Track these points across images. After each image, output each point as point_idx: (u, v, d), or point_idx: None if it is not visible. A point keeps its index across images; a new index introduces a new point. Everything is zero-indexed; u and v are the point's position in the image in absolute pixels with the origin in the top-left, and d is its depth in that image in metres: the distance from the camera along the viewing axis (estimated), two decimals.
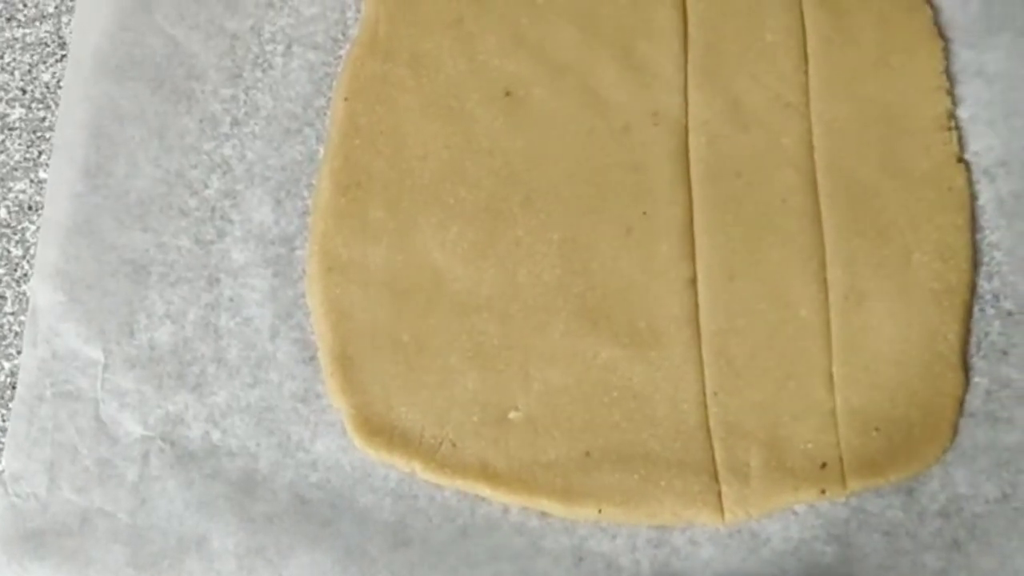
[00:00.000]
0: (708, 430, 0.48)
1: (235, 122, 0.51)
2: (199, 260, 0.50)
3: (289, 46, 0.52)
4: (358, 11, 0.53)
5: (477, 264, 0.49)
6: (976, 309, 0.49)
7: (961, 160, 0.51)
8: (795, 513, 0.47)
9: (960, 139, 0.51)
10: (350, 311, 0.49)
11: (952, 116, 0.51)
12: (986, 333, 0.49)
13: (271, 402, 0.48)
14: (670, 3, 0.53)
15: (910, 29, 0.52)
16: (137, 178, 0.50)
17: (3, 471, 0.48)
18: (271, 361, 0.49)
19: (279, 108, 0.52)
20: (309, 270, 0.50)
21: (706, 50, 0.52)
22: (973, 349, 0.49)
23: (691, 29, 0.52)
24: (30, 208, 0.52)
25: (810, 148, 0.50)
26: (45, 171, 0.52)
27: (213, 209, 0.50)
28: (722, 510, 0.47)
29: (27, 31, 0.54)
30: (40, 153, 0.53)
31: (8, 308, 0.51)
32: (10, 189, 0.52)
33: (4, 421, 0.49)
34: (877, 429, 0.48)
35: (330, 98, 0.52)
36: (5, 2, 0.54)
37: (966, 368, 0.49)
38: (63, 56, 0.54)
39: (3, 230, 0.52)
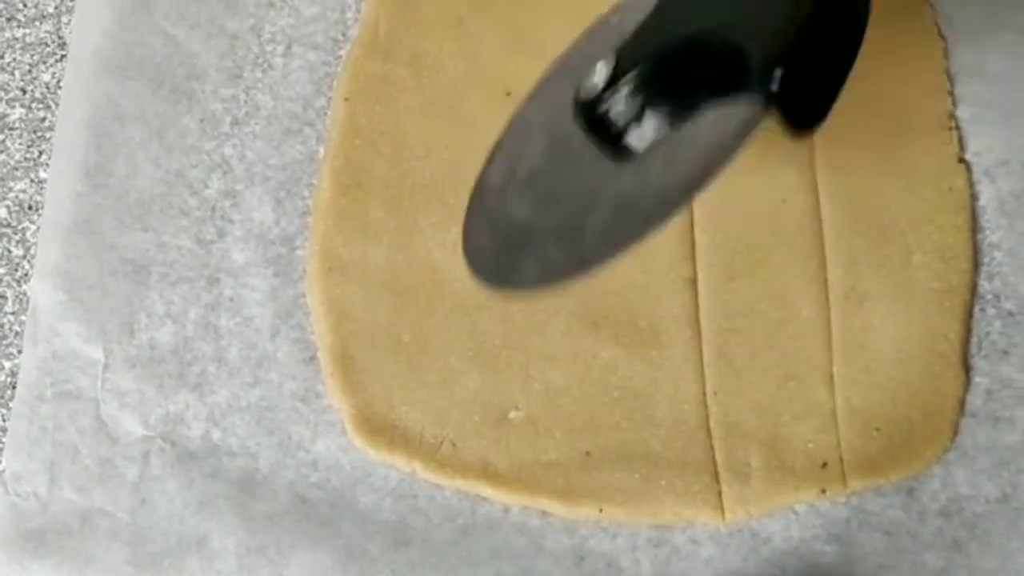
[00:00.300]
0: (708, 430, 0.48)
1: (235, 122, 0.51)
2: (199, 260, 0.50)
3: (289, 46, 0.52)
4: (358, 11, 0.53)
5: None
6: (977, 309, 0.49)
7: (962, 160, 0.51)
8: (795, 513, 0.47)
9: (960, 139, 0.51)
10: (350, 311, 0.49)
11: (952, 116, 0.51)
12: (987, 333, 0.49)
13: (271, 402, 0.48)
14: None
15: (910, 29, 0.52)
16: (137, 178, 0.50)
17: (3, 471, 0.48)
18: (271, 361, 0.49)
19: (279, 108, 0.52)
20: (309, 270, 0.50)
21: None
22: (974, 349, 0.49)
23: None
24: (30, 208, 0.52)
25: (810, 148, 0.50)
26: (45, 171, 0.52)
27: (213, 209, 0.50)
28: (723, 509, 0.47)
29: (27, 31, 0.54)
30: (40, 153, 0.53)
31: (8, 308, 0.51)
32: (10, 189, 0.52)
33: (4, 421, 0.49)
34: (878, 429, 0.48)
35: (330, 98, 0.52)
36: (5, 2, 0.54)
37: (967, 368, 0.49)
38: (63, 56, 0.54)
39: (3, 230, 0.52)
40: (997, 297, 0.50)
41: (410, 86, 0.51)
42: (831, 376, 0.48)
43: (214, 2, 0.52)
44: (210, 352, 0.49)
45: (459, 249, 0.49)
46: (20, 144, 0.53)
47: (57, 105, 0.52)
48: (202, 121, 0.51)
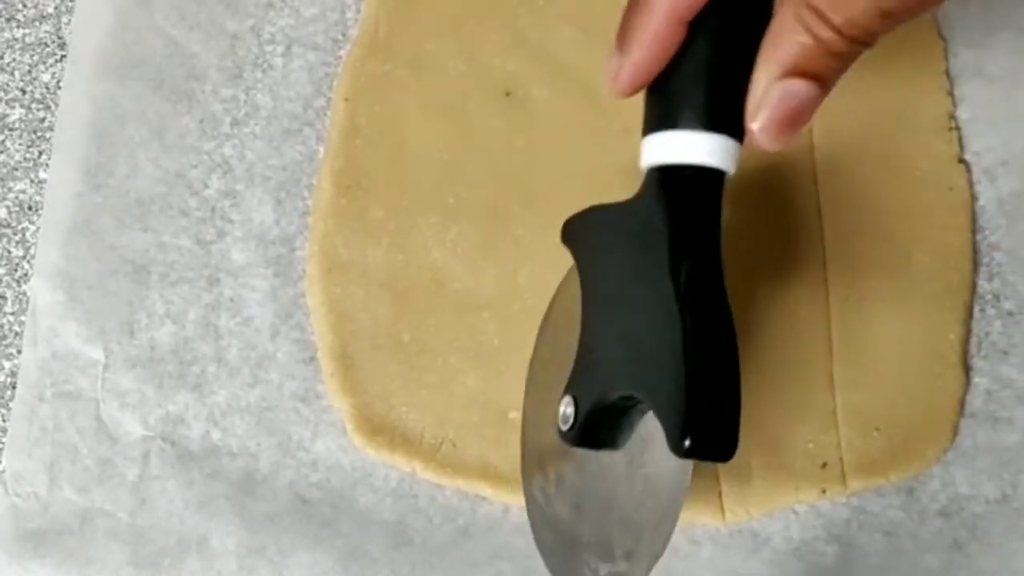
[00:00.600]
0: None
1: (235, 122, 0.51)
2: (199, 260, 0.50)
3: (289, 46, 0.52)
4: (358, 11, 0.53)
5: (477, 264, 0.49)
6: (977, 309, 0.49)
7: (961, 160, 0.51)
8: (796, 513, 0.47)
9: (960, 139, 0.51)
10: (350, 311, 0.49)
11: (952, 116, 0.51)
12: (987, 333, 0.49)
13: (271, 402, 0.48)
14: None
15: (909, 28, 0.51)
16: (137, 178, 0.50)
17: (3, 471, 0.47)
18: (271, 361, 0.49)
19: (279, 108, 0.52)
20: (309, 270, 0.50)
21: None
22: (974, 349, 0.49)
23: None
24: (30, 208, 0.52)
25: (810, 148, 0.50)
26: (45, 171, 0.52)
27: (213, 209, 0.50)
28: (723, 510, 0.47)
29: (27, 31, 0.54)
30: (40, 153, 0.52)
31: (8, 308, 0.51)
32: (10, 189, 0.52)
33: (4, 421, 0.49)
34: (878, 429, 0.48)
35: (330, 98, 0.52)
36: (5, 2, 0.54)
37: (967, 368, 0.49)
38: (63, 56, 0.53)
39: (3, 230, 0.52)
40: (997, 297, 0.50)
41: (410, 86, 0.51)
42: (831, 376, 0.48)
43: (214, 2, 0.52)
44: (210, 352, 0.49)
45: (458, 249, 0.49)
46: (20, 144, 0.53)
47: (57, 105, 0.52)
48: (202, 121, 0.51)
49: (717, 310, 0.36)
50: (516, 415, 0.48)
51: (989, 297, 0.50)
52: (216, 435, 0.48)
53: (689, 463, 0.38)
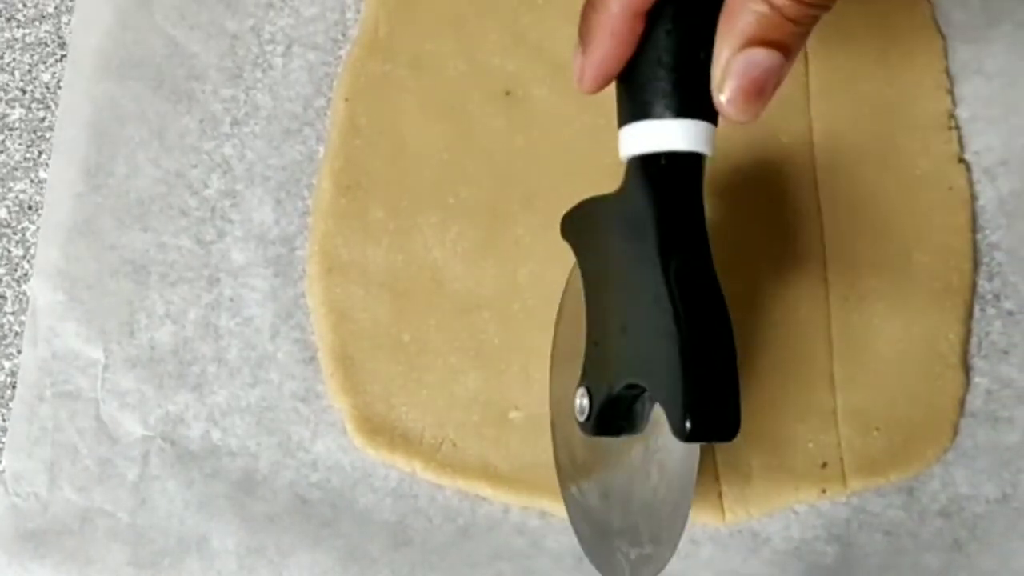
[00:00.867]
0: None
1: (235, 122, 0.51)
2: (199, 260, 0.50)
3: (289, 46, 0.52)
4: (358, 11, 0.53)
5: (477, 264, 0.49)
6: (977, 309, 0.49)
7: (961, 160, 0.51)
8: (796, 513, 0.47)
9: (960, 138, 0.51)
10: (350, 311, 0.49)
11: (952, 115, 0.51)
12: (987, 333, 0.49)
13: (271, 402, 0.48)
14: None
15: (909, 27, 0.52)
16: (137, 178, 0.50)
17: (3, 471, 0.47)
18: (271, 361, 0.49)
19: (279, 108, 0.52)
20: (309, 270, 0.50)
21: None
22: (974, 349, 0.49)
23: None
24: (30, 208, 0.52)
25: (810, 147, 0.50)
26: (45, 171, 0.52)
27: (213, 209, 0.50)
28: (723, 509, 0.47)
29: (27, 31, 0.54)
30: (40, 153, 0.52)
31: (8, 308, 0.51)
32: (10, 189, 0.52)
33: (4, 421, 0.49)
34: (878, 429, 0.48)
35: (330, 98, 0.52)
36: (4, 2, 0.54)
37: (967, 368, 0.49)
38: (63, 56, 0.53)
39: (3, 230, 0.52)
40: (997, 297, 0.50)
41: (410, 86, 0.51)
42: (831, 376, 0.48)
43: (214, 2, 0.52)
44: (210, 352, 0.49)
45: (458, 249, 0.49)
46: (20, 144, 0.53)
47: (57, 105, 0.52)
48: (202, 121, 0.51)
49: (709, 294, 0.36)
50: (516, 415, 0.48)
51: (989, 297, 0.50)
52: (216, 435, 0.48)
53: (695, 445, 0.39)
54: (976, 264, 0.50)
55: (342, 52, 0.52)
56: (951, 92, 0.51)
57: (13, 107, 0.53)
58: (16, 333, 0.50)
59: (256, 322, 0.49)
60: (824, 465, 0.47)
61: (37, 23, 0.54)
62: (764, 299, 0.49)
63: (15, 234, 0.52)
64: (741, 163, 0.50)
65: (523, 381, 0.48)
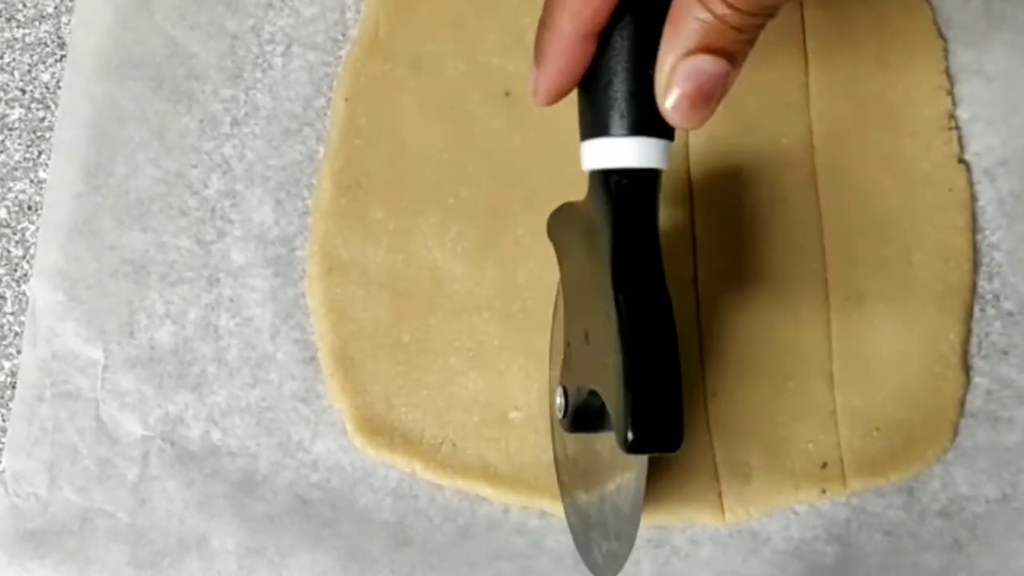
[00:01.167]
0: (709, 430, 0.48)
1: (235, 122, 0.51)
2: (199, 260, 0.50)
3: (289, 46, 0.52)
4: (358, 11, 0.53)
5: (478, 264, 0.49)
6: (977, 309, 0.49)
7: (961, 160, 0.51)
8: (796, 513, 0.47)
9: (960, 139, 0.51)
10: (350, 311, 0.49)
11: (952, 116, 0.51)
12: (987, 333, 0.49)
13: (271, 402, 0.48)
14: None
15: (910, 29, 0.52)
16: (137, 178, 0.50)
17: (3, 471, 0.47)
18: (271, 361, 0.49)
19: (279, 108, 0.52)
20: (309, 270, 0.50)
21: None
22: (974, 349, 0.49)
23: None
24: (30, 208, 0.52)
25: (810, 148, 0.50)
26: (45, 171, 0.52)
27: (213, 209, 0.50)
28: (723, 510, 0.47)
29: (26, 31, 0.54)
30: (40, 153, 0.52)
31: (8, 308, 0.51)
32: (10, 189, 0.52)
33: (4, 421, 0.49)
34: (878, 429, 0.48)
35: (330, 98, 0.52)
36: (4, 2, 0.54)
37: (967, 368, 0.49)
38: (62, 56, 0.53)
39: (3, 230, 0.52)
40: (997, 297, 0.50)
41: (410, 86, 0.51)
42: (831, 376, 0.48)
43: (214, 2, 0.52)
44: (210, 352, 0.49)
45: (458, 249, 0.49)
46: (19, 144, 0.53)
47: (56, 105, 0.52)
48: (202, 121, 0.51)
49: (656, 315, 0.37)
50: (516, 415, 0.48)
51: (989, 297, 0.50)
52: (216, 435, 0.48)
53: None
54: (976, 264, 0.50)
55: (342, 52, 0.52)
56: (951, 93, 0.51)
57: (13, 107, 0.53)
58: (16, 333, 0.50)
59: (256, 322, 0.49)
60: (824, 465, 0.47)
61: (37, 23, 0.54)
62: (764, 300, 0.49)
63: (15, 234, 0.52)
64: (742, 165, 0.50)
65: (523, 381, 0.48)
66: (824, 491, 0.47)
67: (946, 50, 0.52)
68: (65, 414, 0.48)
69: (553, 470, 0.47)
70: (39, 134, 0.53)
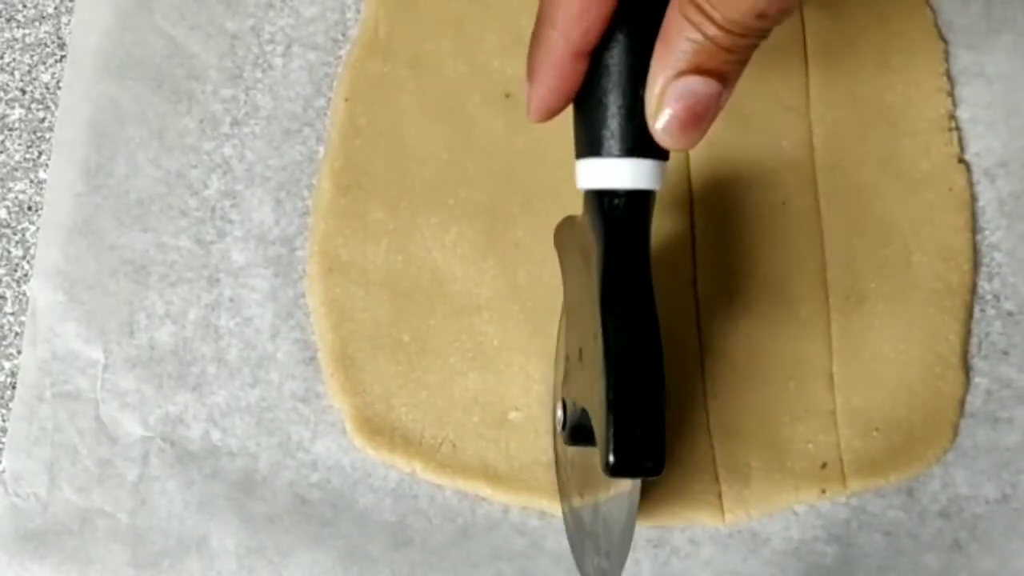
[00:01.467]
0: (708, 430, 0.48)
1: (235, 122, 0.51)
2: (199, 260, 0.50)
3: (289, 46, 0.52)
4: (358, 12, 0.53)
5: (477, 265, 0.49)
6: (977, 310, 0.49)
7: (961, 161, 0.51)
8: (795, 513, 0.47)
9: (960, 140, 0.51)
10: (350, 311, 0.49)
11: (952, 117, 0.51)
12: (987, 334, 0.49)
13: (271, 402, 0.48)
14: None
15: (910, 31, 0.52)
16: (137, 178, 0.50)
17: (3, 471, 0.47)
18: (271, 361, 0.49)
19: (279, 108, 0.52)
20: (309, 270, 0.50)
21: None
22: (974, 350, 0.49)
23: None
24: (30, 208, 0.52)
25: (810, 150, 0.50)
26: (45, 171, 0.52)
27: (213, 209, 0.50)
28: (722, 510, 0.47)
29: (26, 31, 0.54)
30: (40, 153, 0.52)
31: (8, 308, 0.51)
32: (10, 189, 0.52)
33: (4, 421, 0.49)
34: (877, 429, 0.48)
35: (330, 99, 0.52)
36: (4, 3, 0.54)
37: (967, 369, 0.49)
38: (62, 57, 0.53)
39: (3, 230, 0.52)
40: (997, 298, 0.50)
41: (410, 87, 0.51)
42: (831, 377, 0.48)
43: (214, 2, 0.52)
44: (210, 352, 0.49)
45: (458, 250, 0.49)
46: (19, 145, 0.53)
47: (56, 106, 0.52)
48: (202, 121, 0.51)
49: (642, 337, 0.37)
50: (516, 415, 0.48)
51: (989, 297, 0.50)
52: (216, 435, 0.48)
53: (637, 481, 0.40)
54: (976, 265, 0.50)
55: (342, 52, 0.52)
56: (951, 94, 0.51)
57: (13, 107, 0.53)
58: (16, 333, 0.50)
59: (256, 322, 0.49)
60: (824, 466, 0.47)
61: (37, 23, 0.54)
62: (764, 300, 0.49)
63: (15, 234, 0.52)
64: (742, 167, 0.50)
65: (523, 382, 0.48)
66: (824, 491, 0.47)
67: (947, 52, 0.52)
68: (65, 414, 0.48)
69: (553, 471, 0.47)
70: (39, 134, 0.53)
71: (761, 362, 0.48)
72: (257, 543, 0.47)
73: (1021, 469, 0.48)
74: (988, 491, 0.48)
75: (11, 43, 0.54)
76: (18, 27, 0.54)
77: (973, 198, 0.50)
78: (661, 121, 0.36)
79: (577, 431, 0.42)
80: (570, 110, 0.40)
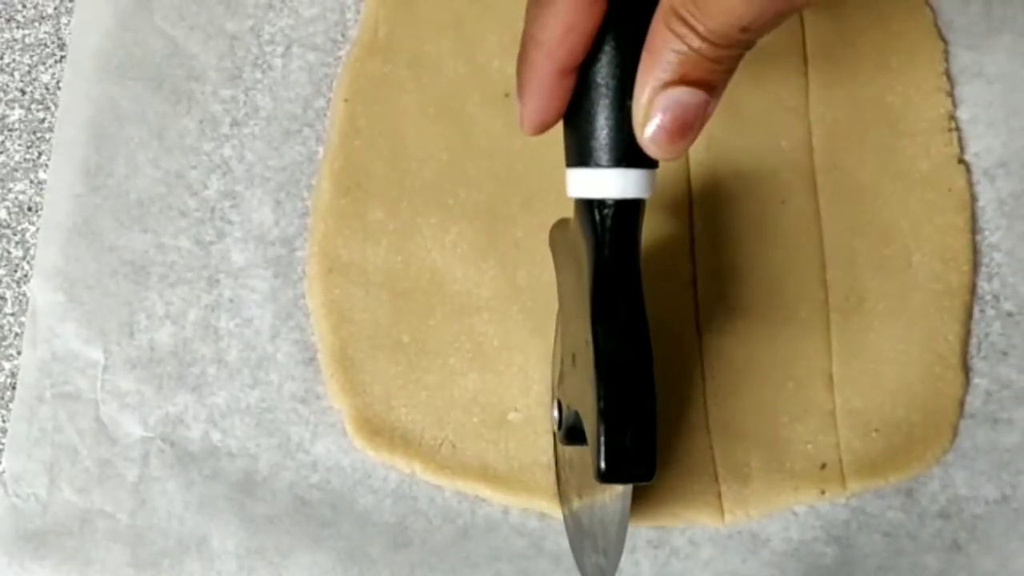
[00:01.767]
0: (708, 431, 0.48)
1: (235, 123, 0.51)
2: (199, 261, 0.50)
3: (289, 47, 0.52)
4: (358, 12, 0.53)
5: (477, 265, 0.49)
6: (976, 310, 0.49)
7: (961, 161, 0.51)
8: (795, 514, 0.47)
9: (960, 140, 0.51)
10: (350, 312, 0.49)
11: (952, 117, 0.51)
12: (986, 334, 0.49)
13: (271, 403, 0.48)
14: None
15: (910, 31, 0.52)
16: (137, 179, 0.50)
17: (3, 472, 0.48)
18: (271, 362, 0.49)
19: (279, 109, 0.52)
20: (309, 271, 0.50)
21: None
22: (973, 350, 0.49)
23: None
24: (30, 209, 0.52)
25: (810, 150, 0.50)
26: (45, 172, 0.52)
27: (213, 210, 0.50)
28: (722, 511, 0.47)
29: (26, 32, 0.54)
30: (40, 154, 0.52)
31: (8, 309, 0.51)
32: (10, 190, 0.52)
33: (4, 422, 0.49)
34: (877, 430, 0.48)
35: (330, 99, 0.52)
36: (4, 3, 0.54)
37: (966, 369, 0.49)
38: (62, 57, 0.53)
39: (3, 231, 0.52)
40: (996, 298, 0.50)
41: (410, 87, 0.51)
42: (830, 377, 0.48)
43: (214, 3, 0.52)
44: (210, 353, 0.49)
45: (458, 250, 0.49)
46: (19, 145, 0.53)
47: (56, 106, 0.52)
48: (201, 122, 0.51)
49: (632, 344, 0.38)
50: (515, 416, 0.48)
51: (989, 298, 0.50)
52: (216, 436, 0.48)
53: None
54: (976, 265, 0.50)
55: (342, 53, 0.52)
56: (951, 95, 0.51)
57: (12, 108, 0.53)
58: (16, 334, 0.50)
59: (256, 323, 0.49)
60: (823, 466, 0.47)
61: (37, 24, 0.54)
62: (764, 301, 0.49)
63: (15, 235, 0.52)
64: (741, 167, 0.50)
65: (522, 382, 0.48)
66: (823, 492, 0.47)
67: (946, 52, 0.52)
68: (65, 415, 0.48)
69: (552, 472, 0.47)
70: (39, 135, 0.53)
71: (760, 362, 0.48)
72: (257, 544, 0.47)
73: (1020, 470, 0.48)
74: (988, 492, 0.48)
75: (11, 43, 0.54)
76: (18, 27, 0.54)
77: (973, 198, 0.50)
78: (649, 131, 0.36)
79: (573, 432, 0.42)
80: None
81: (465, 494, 0.48)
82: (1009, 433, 0.48)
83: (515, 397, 0.48)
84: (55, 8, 0.54)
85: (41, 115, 0.53)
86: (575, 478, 0.45)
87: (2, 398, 0.50)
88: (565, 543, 0.46)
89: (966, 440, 0.48)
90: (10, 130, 0.53)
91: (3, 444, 0.49)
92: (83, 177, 0.50)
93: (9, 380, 0.50)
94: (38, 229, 0.51)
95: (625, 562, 0.47)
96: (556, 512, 0.47)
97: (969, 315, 0.49)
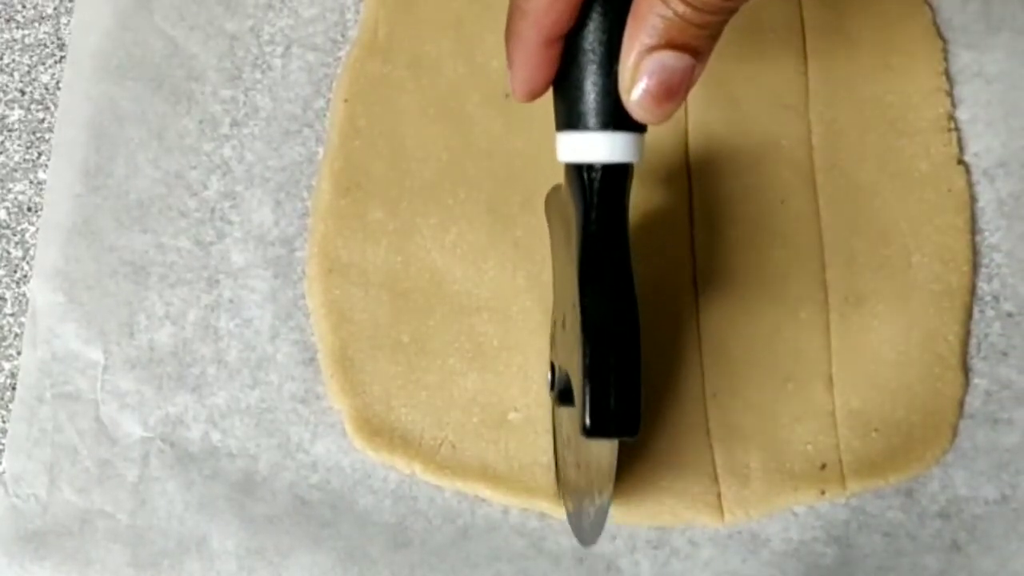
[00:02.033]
0: (708, 431, 0.48)
1: (235, 123, 0.51)
2: (199, 261, 0.50)
3: (288, 47, 0.52)
4: (357, 12, 0.53)
5: (477, 265, 0.49)
6: (976, 310, 0.49)
7: (961, 161, 0.51)
8: (795, 514, 0.47)
9: (960, 140, 0.51)
10: (350, 312, 0.49)
11: (952, 117, 0.51)
12: (986, 334, 0.49)
13: (271, 403, 0.48)
14: None
15: (909, 30, 0.52)
16: (137, 179, 0.50)
17: (3, 472, 0.48)
18: (271, 362, 0.49)
19: (279, 109, 0.52)
20: (309, 271, 0.50)
21: None
22: (973, 350, 0.49)
23: None
24: (29, 209, 0.52)
25: (809, 149, 0.50)
26: (44, 172, 0.52)
27: (213, 210, 0.50)
28: (722, 511, 0.47)
29: (26, 32, 0.54)
30: (39, 154, 0.52)
31: (8, 309, 0.51)
32: (9, 190, 0.52)
33: (4, 422, 0.49)
34: (877, 430, 0.48)
35: (329, 99, 0.52)
36: (4, 3, 0.54)
37: (966, 369, 0.49)
38: (62, 57, 0.53)
39: (3, 231, 0.52)
40: (996, 298, 0.50)
41: (409, 87, 0.51)
42: (830, 377, 0.48)
43: (214, 3, 0.52)
44: (209, 354, 0.49)
45: (458, 250, 0.49)
46: (19, 145, 0.53)
47: (56, 106, 0.52)
48: (201, 122, 0.51)
49: (618, 306, 0.39)
50: (515, 416, 0.48)
51: (988, 298, 0.50)
52: (216, 436, 0.48)
53: None
54: (975, 266, 0.50)
55: (341, 53, 0.52)
56: (951, 94, 0.51)
57: (12, 108, 0.53)
58: (16, 334, 0.50)
59: (256, 323, 0.49)
60: (823, 466, 0.47)
61: (36, 24, 0.54)
62: (763, 301, 0.49)
63: (14, 235, 0.52)
64: (741, 167, 0.50)
65: (522, 382, 0.48)
66: (823, 492, 0.47)
67: (946, 51, 0.52)
68: (65, 415, 0.48)
69: (552, 472, 0.47)
70: (39, 135, 0.53)
71: (760, 363, 0.48)
72: (257, 544, 0.47)
73: (1020, 470, 0.48)
74: (987, 492, 0.48)
75: (11, 44, 0.54)
76: (18, 28, 0.54)
77: (972, 199, 0.50)
78: (635, 95, 0.36)
79: (565, 393, 0.43)
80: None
81: (465, 494, 0.48)
82: (1009, 433, 0.48)
83: (515, 397, 0.48)
84: (55, 8, 0.54)
85: (41, 115, 0.53)
86: (574, 446, 0.45)
87: (2, 398, 0.50)
88: (565, 543, 0.46)
89: (966, 440, 0.48)
90: (10, 130, 0.53)
91: (3, 444, 0.49)
92: (83, 177, 0.50)
93: (9, 380, 0.50)
94: (38, 229, 0.51)
95: (625, 562, 0.47)
96: (556, 512, 0.47)
97: (969, 315, 0.49)
